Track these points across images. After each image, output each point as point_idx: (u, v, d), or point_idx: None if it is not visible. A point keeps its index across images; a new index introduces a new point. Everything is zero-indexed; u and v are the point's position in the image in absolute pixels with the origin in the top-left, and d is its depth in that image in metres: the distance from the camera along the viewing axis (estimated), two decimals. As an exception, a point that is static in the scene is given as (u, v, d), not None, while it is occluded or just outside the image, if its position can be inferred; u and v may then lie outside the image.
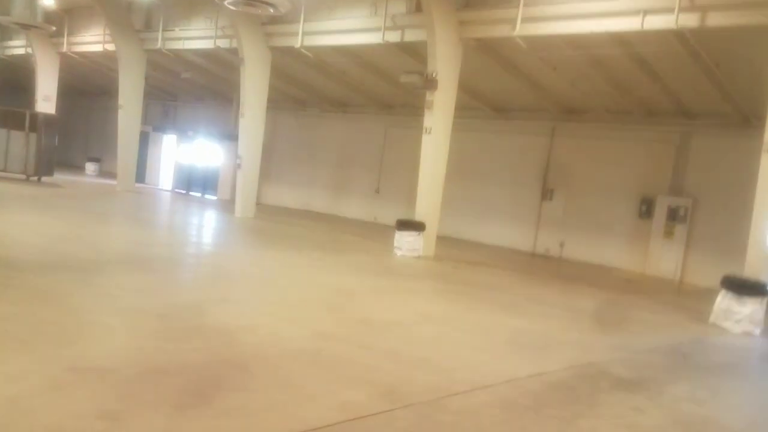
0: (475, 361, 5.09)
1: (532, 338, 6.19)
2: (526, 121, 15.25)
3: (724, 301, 7.80)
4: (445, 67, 11.40)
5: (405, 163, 18.02)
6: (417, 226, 11.61)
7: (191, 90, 22.87)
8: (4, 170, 17.41)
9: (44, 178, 17.89)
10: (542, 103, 14.39)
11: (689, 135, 12.97)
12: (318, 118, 20.21)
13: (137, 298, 5.91)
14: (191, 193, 22.30)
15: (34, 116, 17.49)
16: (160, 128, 24.15)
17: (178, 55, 17.75)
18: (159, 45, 17.20)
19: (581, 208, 14.44)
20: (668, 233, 12.96)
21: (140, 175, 23.76)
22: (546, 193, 15.03)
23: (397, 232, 11.78)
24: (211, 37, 15.86)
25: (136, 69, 18.29)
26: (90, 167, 25.11)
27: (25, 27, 15.10)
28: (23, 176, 17.53)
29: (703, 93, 11.58)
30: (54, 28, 16.90)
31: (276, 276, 8.32)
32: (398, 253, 11.59)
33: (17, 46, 22.65)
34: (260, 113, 15.35)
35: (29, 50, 21.63)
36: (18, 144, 17.23)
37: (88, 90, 26.83)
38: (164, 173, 23.82)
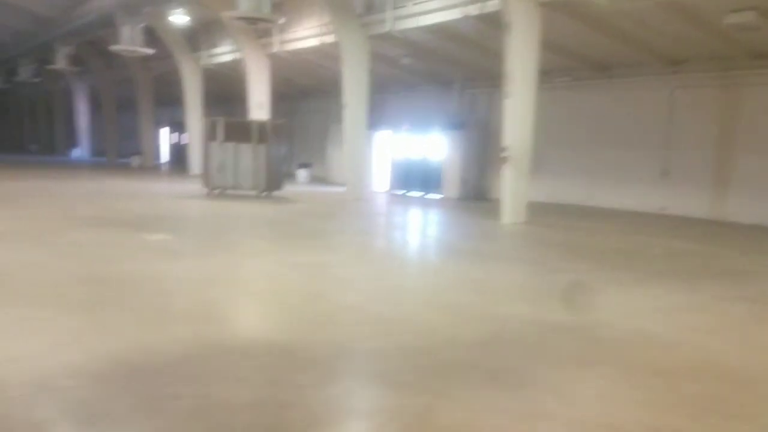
0: None
1: None
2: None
3: None
4: None
5: (705, 133, 13.95)
6: None
7: (404, 78, 20.35)
8: (234, 187, 15.99)
9: (274, 193, 16.23)
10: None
11: None
12: (568, 90, 16.62)
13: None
14: (410, 193, 19.91)
15: (262, 126, 15.82)
16: (370, 124, 22.01)
17: (406, 37, 15.12)
18: (387, 27, 14.64)
19: None
20: None
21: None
22: None
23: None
24: (457, 5, 12.92)
25: (360, 60, 15.94)
26: (302, 174, 23.71)
27: (252, 22, 13.24)
28: (254, 193, 15.99)
29: None
30: (283, 20, 15.01)
31: None
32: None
33: (224, 53, 21.64)
34: (529, 91, 12.12)
35: (237, 55, 20.42)
36: (247, 158, 15.67)
37: (289, 93, 25.49)
38: (377, 174, 21.68)
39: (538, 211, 13.87)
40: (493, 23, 12.46)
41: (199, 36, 22.37)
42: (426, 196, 19.28)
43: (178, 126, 34.04)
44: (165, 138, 35.90)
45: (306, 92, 25.49)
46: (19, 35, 28.70)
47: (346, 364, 4.32)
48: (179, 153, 34.24)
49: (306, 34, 17.71)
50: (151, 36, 20.31)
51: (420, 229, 12.98)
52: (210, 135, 15.86)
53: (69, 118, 38.00)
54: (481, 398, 3.74)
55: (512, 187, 12.48)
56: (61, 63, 25.18)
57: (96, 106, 34.36)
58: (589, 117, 16.36)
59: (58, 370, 3.87)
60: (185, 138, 32.81)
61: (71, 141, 38.06)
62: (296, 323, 5.25)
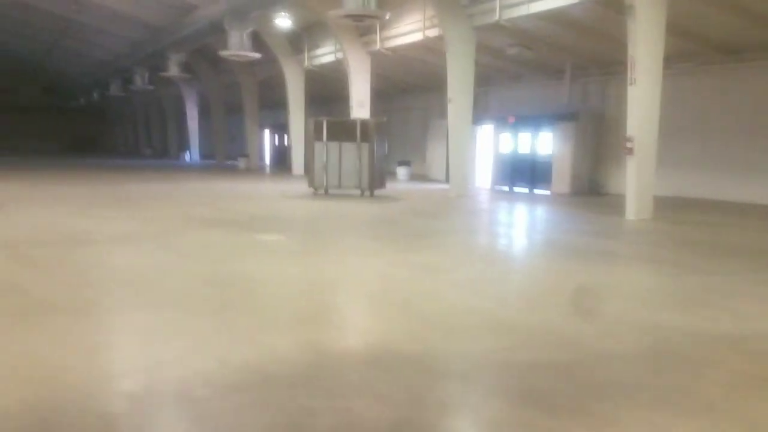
0: None
1: None
2: None
3: None
4: None
5: None
6: None
7: (509, 68, 19.65)
8: (338, 187, 15.98)
9: (376, 191, 16.06)
10: None
11: None
12: (690, 76, 15.33)
13: None
14: (515, 189, 19.20)
15: (365, 124, 15.70)
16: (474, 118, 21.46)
17: (515, 25, 14.47)
18: (496, 17, 14.05)
19: None
20: None
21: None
22: None
23: None
24: (572, -12, 12.17)
25: (466, 53, 15.44)
26: (401, 172, 23.49)
27: (359, 19, 13.11)
28: (357, 191, 15.90)
29: None
30: (389, 15, 14.81)
31: None
32: None
33: (325, 54, 21.81)
34: (655, 78, 11.21)
35: (338, 55, 20.49)
36: (351, 156, 15.59)
37: (387, 91, 25.35)
38: (479, 169, 21.06)
39: (664, 206, 12.86)
40: (613, 6, 11.64)
41: (301, 38, 22.67)
42: (533, 192, 18.50)
43: (279, 128, 34.91)
44: (267, 140, 36.96)
45: (404, 89, 25.25)
46: (134, 45, 30.35)
47: (490, 380, 3.91)
48: (280, 154, 35.13)
49: (408, 29, 17.42)
50: (257, 41, 20.75)
51: (534, 226, 12.34)
52: (315, 135, 15.91)
53: (180, 123, 39.92)
54: (659, 426, 3.22)
55: (637, 181, 11.58)
56: (173, 70, 26.34)
57: (204, 110, 35.84)
58: (715, 104, 15.02)
59: (193, 378, 3.73)
60: (287, 139, 33.67)
61: (182, 145, 39.95)
62: (423, 330, 4.90)
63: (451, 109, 16.03)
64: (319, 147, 15.82)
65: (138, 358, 4.14)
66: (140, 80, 31.12)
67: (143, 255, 7.78)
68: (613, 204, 13.91)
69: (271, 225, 11.21)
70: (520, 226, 12.46)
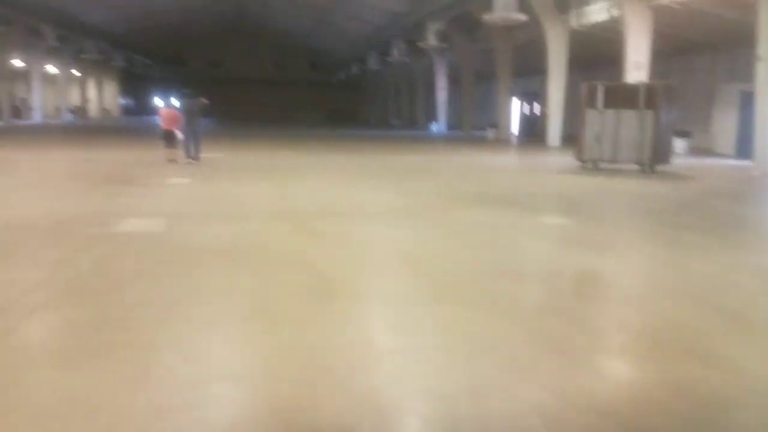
0: None
1: None
2: None
3: None
4: None
5: None
6: None
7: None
8: (612, 161, 14.15)
9: (659, 167, 13.88)
10: None
11: None
12: None
13: None
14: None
15: (651, 90, 13.57)
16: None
17: None
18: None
19: None
20: None
21: (743, 148, 18.07)
22: None
23: None
24: None
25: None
26: (678, 144, 20.39)
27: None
28: (633, 167, 13.91)
29: None
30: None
31: None
32: None
33: (596, 11, 19.59)
34: None
35: (613, 12, 18.23)
36: (630, 126, 13.64)
37: (663, 51, 22.11)
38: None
39: None
40: None
41: (568, -4, 20.75)
42: None
43: (529, 96, 33.19)
44: (515, 109, 35.47)
45: (684, 48, 21.83)
46: (394, 16, 30.92)
47: None
48: (530, 124, 33.43)
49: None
50: (519, 2, 19.37)
51: None
52: (587, 102, 14.23)
53: (429, 93, 40.25)
54: None
55: None
56: (430, 40, 26.18)
57: (452, 81, 35.52)
58: None
59: (531, 418, 2.85)
60: (537, 108, 31.83)
61: (430, 116, 40.32)
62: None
63: (761, 69, 13.14)
64: (592, 115, 14.13)
65: (454, 373, 3.36)
66: (397, 52, 31.69)
67: (422, 234, 7.19)
68: None
69: (547, 205, 10.08)
70: None
